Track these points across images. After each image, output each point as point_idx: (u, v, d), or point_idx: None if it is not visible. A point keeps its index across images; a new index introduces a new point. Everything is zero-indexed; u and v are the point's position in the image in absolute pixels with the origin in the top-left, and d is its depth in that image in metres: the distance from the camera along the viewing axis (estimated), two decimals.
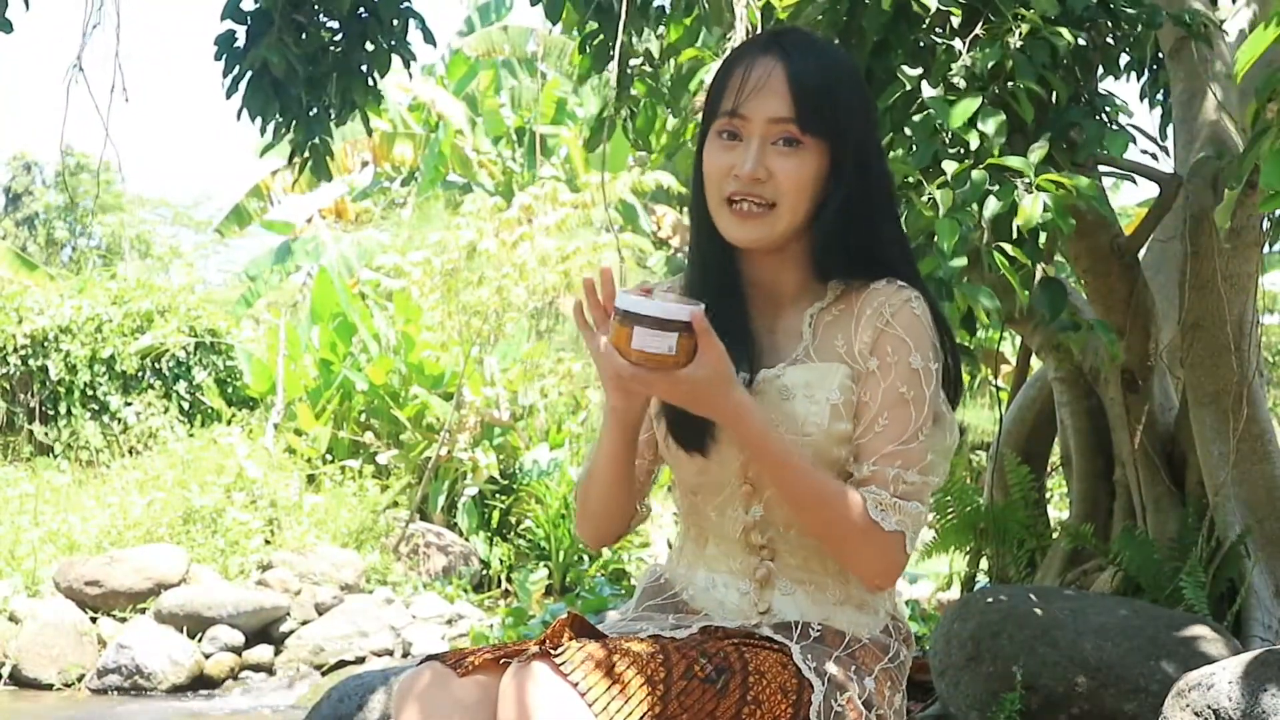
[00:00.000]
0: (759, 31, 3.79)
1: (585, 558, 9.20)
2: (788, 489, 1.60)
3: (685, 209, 17.24)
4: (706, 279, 1.71)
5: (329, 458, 10.39)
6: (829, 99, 1.65)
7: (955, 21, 3.41)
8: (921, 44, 3.43)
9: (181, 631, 7.51)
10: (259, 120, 4.68)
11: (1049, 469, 6.16)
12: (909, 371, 1.63)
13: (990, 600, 3.56)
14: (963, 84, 3.23)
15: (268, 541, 8.86)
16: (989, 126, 3.06)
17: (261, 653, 7.66)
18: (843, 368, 1.66)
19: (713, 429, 1.67)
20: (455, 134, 16.81)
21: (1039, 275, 3.42)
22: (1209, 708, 2.76)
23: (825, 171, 1.65)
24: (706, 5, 4.64)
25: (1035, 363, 5.29)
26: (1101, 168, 3.77)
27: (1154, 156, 3.99)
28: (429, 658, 1.60)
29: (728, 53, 2.14)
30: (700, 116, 1.75)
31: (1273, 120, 2.64)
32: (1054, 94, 3.33)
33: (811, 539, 1.67)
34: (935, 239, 3.00)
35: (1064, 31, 3.20)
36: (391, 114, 16.96)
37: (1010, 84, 3.20)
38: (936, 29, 3.42)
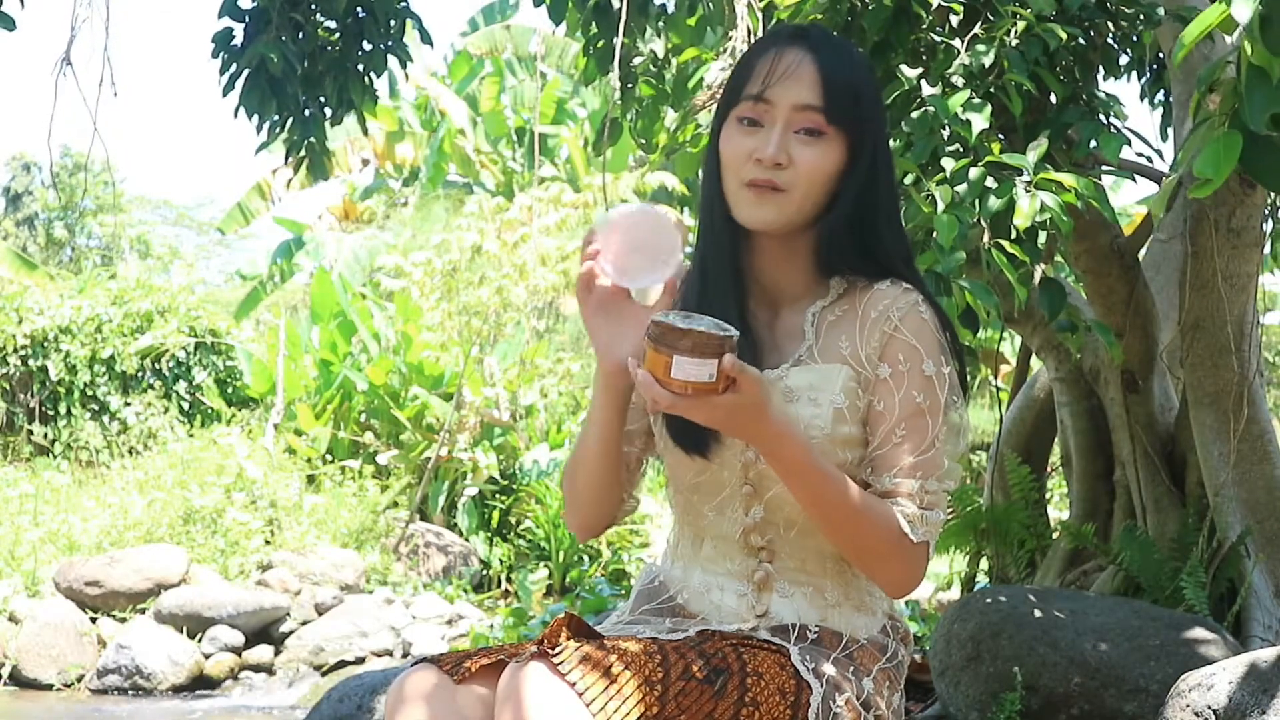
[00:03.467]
0: (759, 32, 3.79)
1: (585, 558, 9.17)
2: (819, 508, 1.58)
3: (685, 209, 17.23)
4: (711, 270, 1.70)
5: (329, 458, 10.38)
6: (855, 93, 1.66)
7: (955, 21, 3.41)
8: (921, 44, 3.43)
9: (181, 632, 7.49)
10: (255, 118, 4.69)
11: (1049, 469, 6.16)
12: (922, 379, 1.63)
13: (990, 601, 3.55)
14: (961, 82, 3.22)
15: (268, 542, 8.85)
16: (976, 118, 3.05)
17: (261, 653, 7.64)
18: (846, 369, 1.65)
19: (716, 433, 1.65)
20: (457, 133, 16.81)
21: (1039, 275, 3.42)
22: (1209, 708, 2.76)
23: (843, 165, 1.66)
24: (710, 5, 4.63)
25: (1035, 363, 5.28)
26: (1102, 167, 3.76)
27: (1148, 160, 3.98)
28: (423, 659, 1.59)
29: (730, 46, 2.13)
30: (699, 116, 1.75)
31: (1214, 111, 2.63)
32: (1051, 94, 3.32)
33: (839, 552, 1.66)
34: (934, 235, 2.99)
35: (1058, 28, 3.19)
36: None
37: (1003, 79, 3.20)
38: (936, 28, 3.41)
